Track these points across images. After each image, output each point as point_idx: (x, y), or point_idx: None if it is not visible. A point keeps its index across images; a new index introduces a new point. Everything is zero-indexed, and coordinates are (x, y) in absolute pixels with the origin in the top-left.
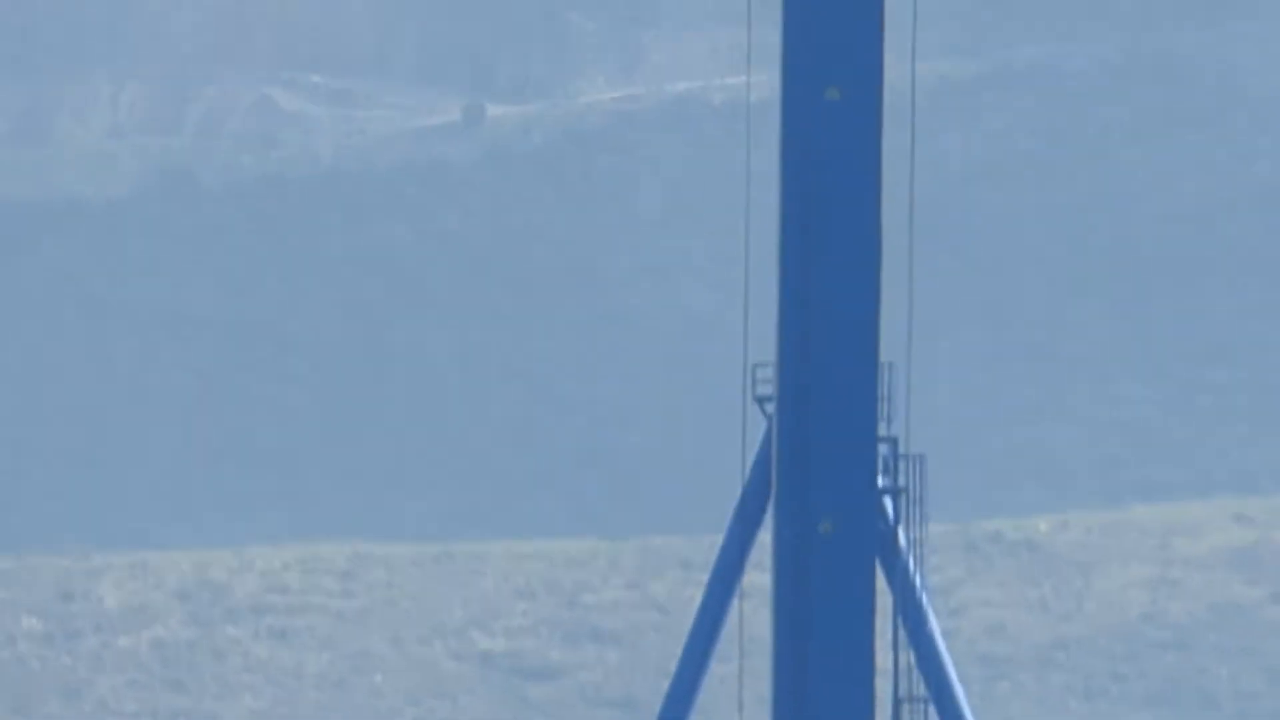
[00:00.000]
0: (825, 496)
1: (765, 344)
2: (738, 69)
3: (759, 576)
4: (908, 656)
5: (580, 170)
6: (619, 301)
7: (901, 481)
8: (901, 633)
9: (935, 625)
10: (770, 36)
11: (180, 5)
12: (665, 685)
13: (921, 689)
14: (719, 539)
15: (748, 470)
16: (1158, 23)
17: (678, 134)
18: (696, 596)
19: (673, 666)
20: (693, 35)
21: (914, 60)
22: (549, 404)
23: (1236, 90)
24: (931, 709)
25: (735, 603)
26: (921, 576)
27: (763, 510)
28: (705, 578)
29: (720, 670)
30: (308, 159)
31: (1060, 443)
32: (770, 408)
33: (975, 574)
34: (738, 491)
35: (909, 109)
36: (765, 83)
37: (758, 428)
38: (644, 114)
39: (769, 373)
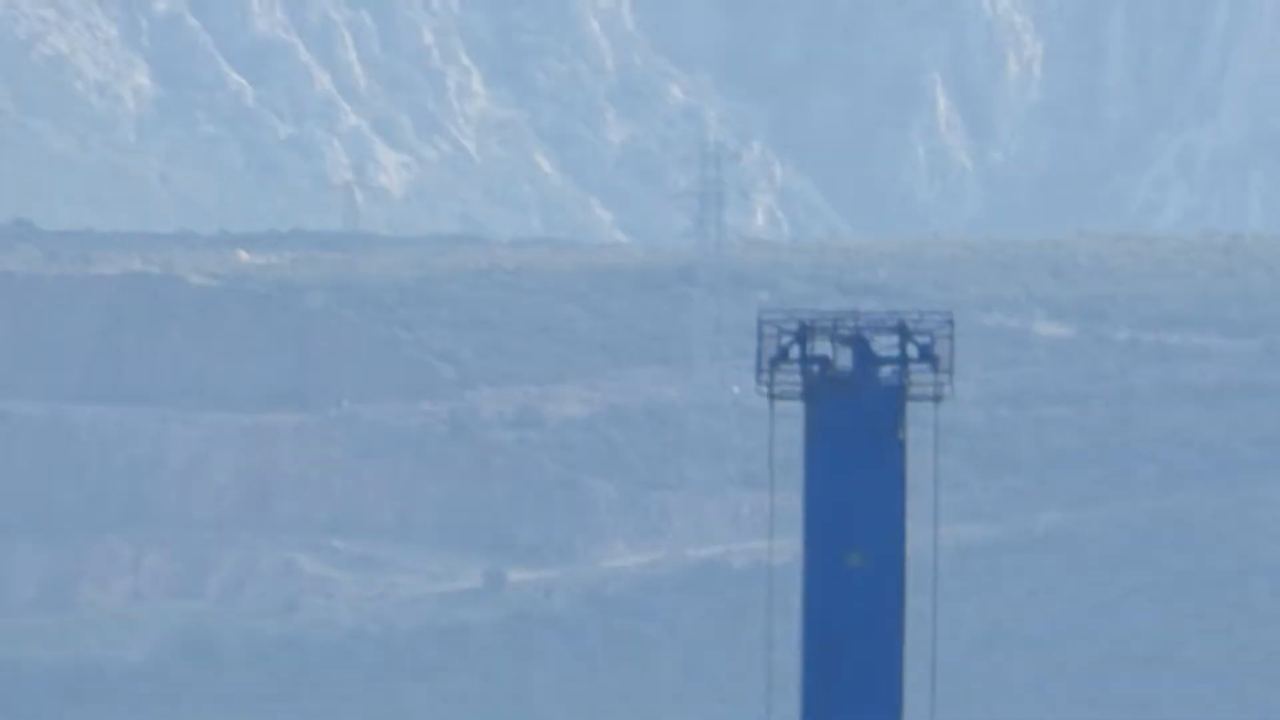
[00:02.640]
0: None
1: None
2: (759, 533)
3: None
4: None
5: (600, 634)
6: None
7: None
8: None
9: None
10: (792, 501)
11: (201, 470)
12: None
13: None
14: None
15: None
16: (1179, 488)
17: (698, 598)
18: None
19: None
20: (714, 500)
21: (936, 526)
22: None
23: (1256, 556)
24: None
25: None
26: None
27: None
28: None
29: None
30: (329, 622)
31: None
32: None
33: None
34: None
35: (930, 574)
36: (787, 547)
37: None
38: (665, 579)
39: None
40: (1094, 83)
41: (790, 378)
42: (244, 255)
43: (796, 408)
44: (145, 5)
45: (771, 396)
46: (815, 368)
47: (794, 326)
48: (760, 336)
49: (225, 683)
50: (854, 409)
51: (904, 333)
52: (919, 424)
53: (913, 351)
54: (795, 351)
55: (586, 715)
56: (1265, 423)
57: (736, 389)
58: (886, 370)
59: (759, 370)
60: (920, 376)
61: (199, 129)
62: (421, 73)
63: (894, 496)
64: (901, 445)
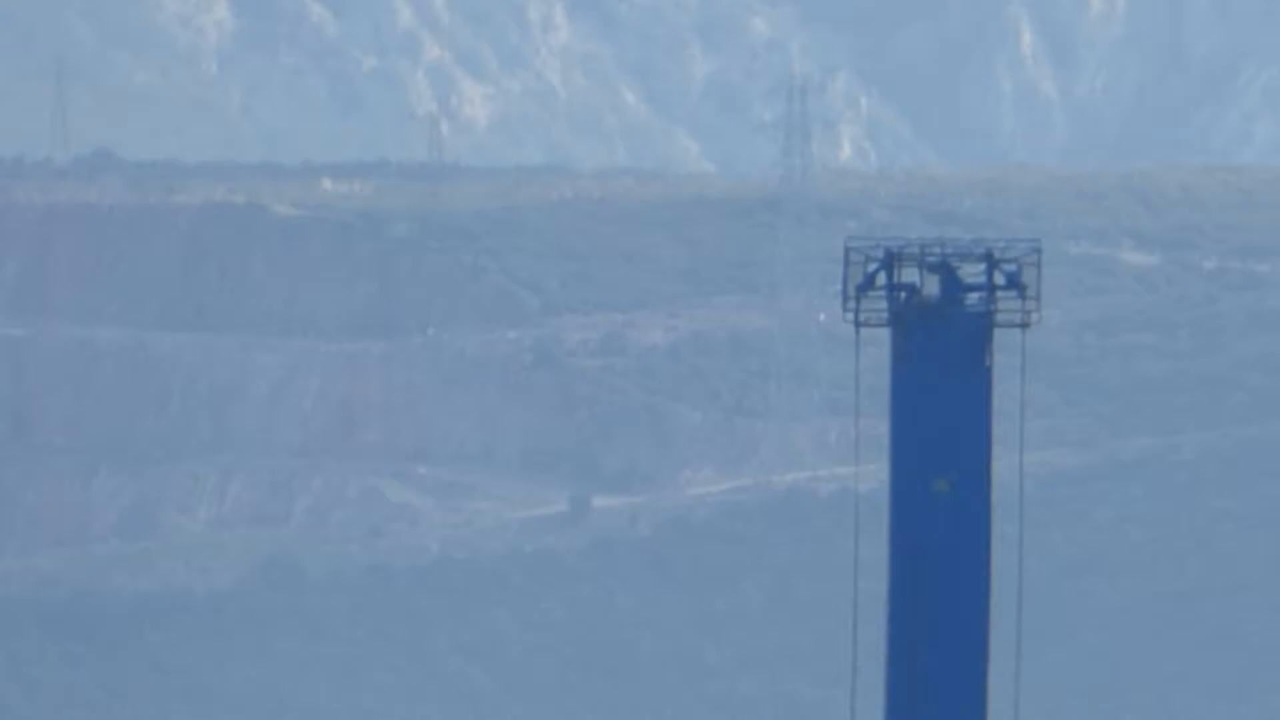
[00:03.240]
0: None
1: None
2: (846, 460)
3: None
4: None
5: (686, 561)
6: (725, 690)
7: None
8: None
9: None
10: (879, 428)
11: (285, 398)
12: None
13: None
14: None
15: None
16: (1267, 414)
17: (785, 525)
18: None
19: None
20: (800, 427)
21: (1022, 452)
22: None
23: None
24: None
25: None
26: None
27: None
28: None
29: None
30: (414, 549)
31: None
32: None
33: None
34: None
35: (1016, 501)
36: (873, 473)
37: None
38: (751, 505)
39: None
40: (1179, 15)
41: (877, 305)
42: (328, 184)
43: (883, 335)
44: None
45: (858, 324)
46: (902, 295)
47: (881, 254)
48: (847, 264)
49: (310, 609)
50: (941, 336)
51: (991, 260)
52: (1005, 351)
53: (1000, 279)
54: (882, 279)
55: (672, 642)
56: None
57: (823, 316)
58: (973, 297)
59: (845, 297)
60: (1007, 304)
61: (281, 60)
62: (504, 6)
63: (980, 423)
64: (988, 372)
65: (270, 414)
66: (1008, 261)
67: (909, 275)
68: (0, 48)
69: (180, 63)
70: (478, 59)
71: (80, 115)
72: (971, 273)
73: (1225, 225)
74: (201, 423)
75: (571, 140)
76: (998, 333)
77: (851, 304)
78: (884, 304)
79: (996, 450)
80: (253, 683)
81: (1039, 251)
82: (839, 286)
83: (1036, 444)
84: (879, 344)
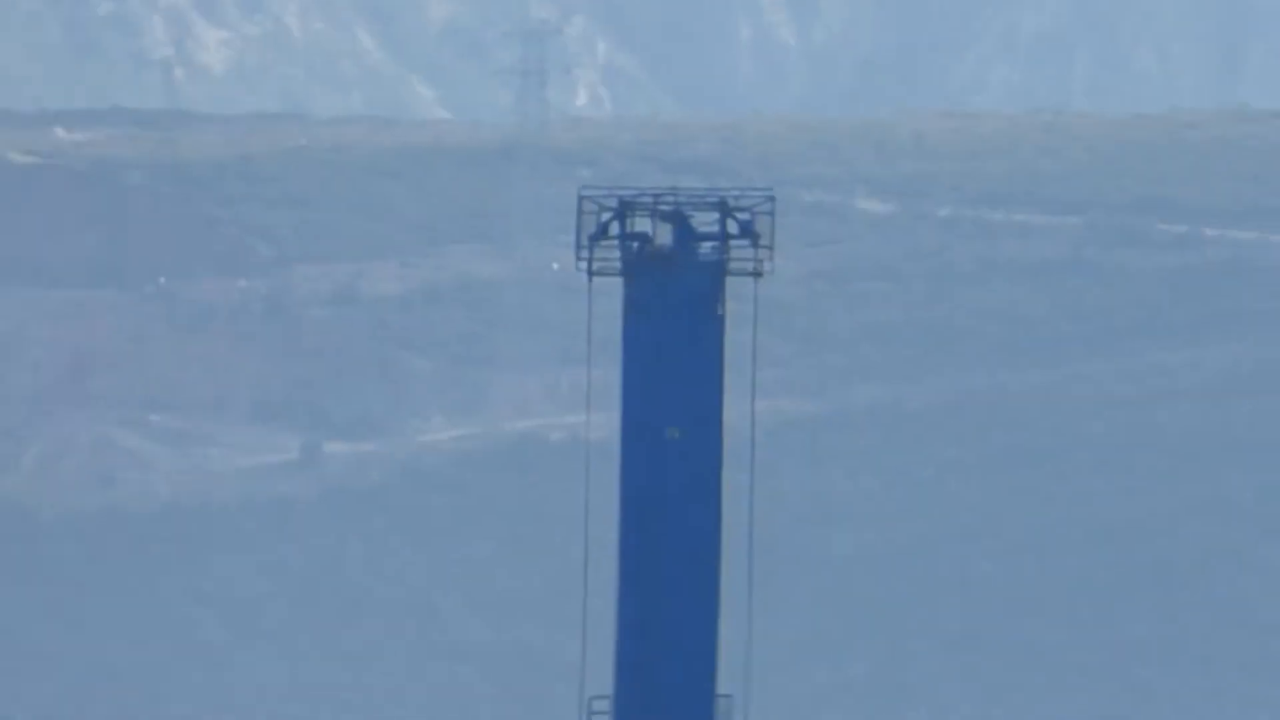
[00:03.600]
0: None
1: (603, 676)
2: (577, 408)
3: None
4: None
5: (417, 507)
6: (456, 636)
7: None
8: None
9: None
10: (610, 376)
11: (17, 345)
12: None
13: None
14: None
15: None
16: (998, 363)
17: (515, 472)
18: None
19: None
20: (532, 375)
21: (754, 400)
22: None
23: (1075, 431)
24: None
25: None
26: None
27: None
28: None
29: None
30: (146, 496)
31: None
32: None
33: None
34: None
35: (748, 448)
36: (605, 421)
37: None
38: (481, 453)
39: (606, 704)
40: None
41: (610, 254)
42: (62, 132)
43: (615, 284)
44: None
45: (590, 273)
46: (634, 244)
47: (614, 203)
48: (580, 213)
49: (41, 555)
50: (673, 285)
51: (724, 209)
52: (738, 299)
53: (733, 228)
54: (615, 228)
55: (402, 588)
56: (1085, 299)
57: (556, 265)
58: (706, 246)
59: (578, 246)
60: (740, 252)
61: (18, 4)
62: None
63: (712, 372)
64: (720, 321)
65: (1, 361)
66: (741, 210)
67: (642, 224)
68: None
69: None
70: (214, 3)
71: None
72: (705, 221)
73: (959, 173)
74: None
75: (308, 87)
76: (731, 281)
77: (584, 253)
78: (617, 253)
79: (728, 398)
80: None
81: (772, 200)
82: (572, 236)
83: (768, 392)
84: (612, 293)
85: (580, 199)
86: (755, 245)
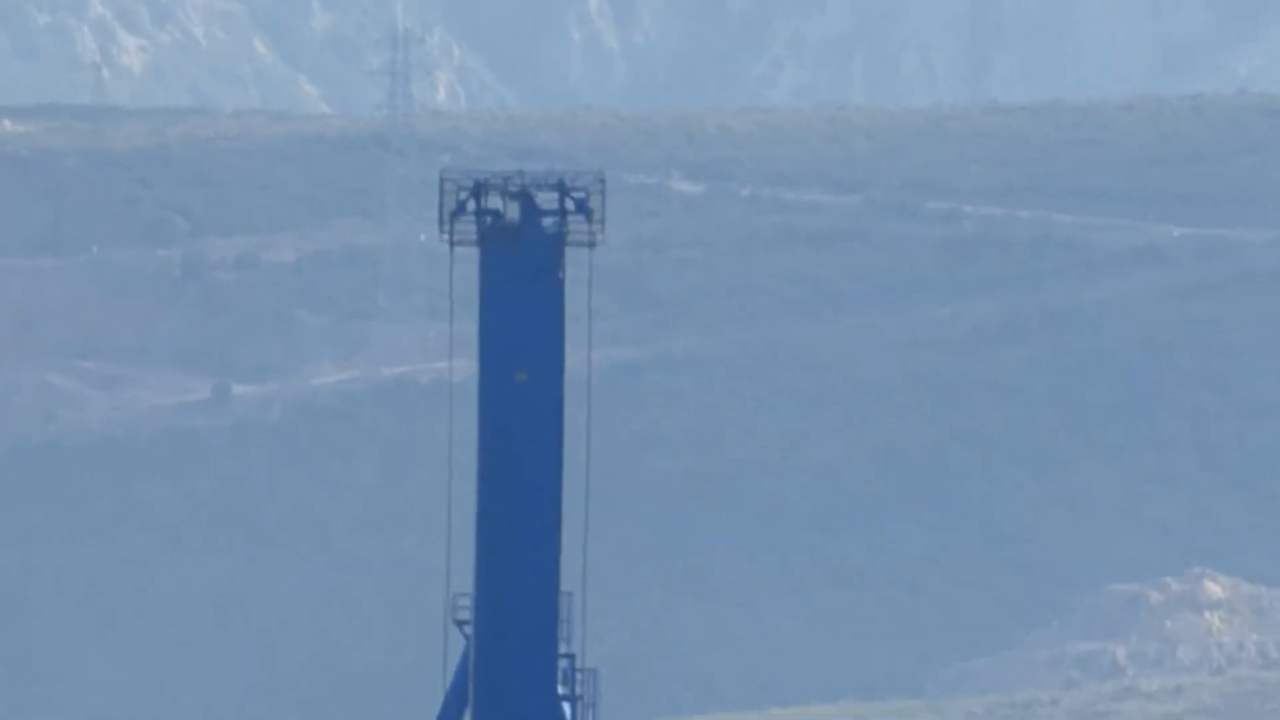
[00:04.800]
0: (514, 704)
1: (465, 578)
2: (442, 356)
3: None
4: None
5: (311, 439)
6: (344, 549)
7: (579, 691)
8: None
9: None
10: (470, 329)
11: None
12: None
13: None
14: None
15: (449, 682)
16: (793, 318)
17: (392, 409)
18: None
19: None
20: (404, 328)
21: (590, 349)
22: (283, 630)
23: (859, 373)
24: None
25: None
26: None
27: (462, 717)
28: None
29: None
30: (81, 430)
31: (716, 662)
32: (468, 630)
33: None
34: (440, 701)
35: (585, 390)
36: (465, 367)
37: (458, 647)
38: (364, 393)
39: (467, 600)
40: None
41: (468, 227)
42: (7, 124)
43: (473, 252)
44: None
45: (452, 243)
46: (488, 219)
47: (470, 184)
48: (442, 192)
49: None
50: (521, 253)
51: (563, 189)
52: (575, 265)
53: (570, 205)
54: (472, 205)
55: (300, 509)
56: (866, 264)
57: (423, 237)
58: (548, 221)
59: (441, 220)
60: (576, 226)
61: None
62: None
63: (554, 325)
64: (560, 283)
65: None
66: (577, 190)
67: (494, 202)
68: None
69: None
70: (134, 15)
71: None
72: (546, 200)
73: (758, 158)
74: None
75: (213, 85)
76: (568, 250)
77: (447, 226)
78: (473, 226)
79: (568, 348)
80: None
81: (603, 181)
82: (436, 211)
83: (601, 343)
84: (470, 260)
85: (442, 180)
86: (589, 220)
